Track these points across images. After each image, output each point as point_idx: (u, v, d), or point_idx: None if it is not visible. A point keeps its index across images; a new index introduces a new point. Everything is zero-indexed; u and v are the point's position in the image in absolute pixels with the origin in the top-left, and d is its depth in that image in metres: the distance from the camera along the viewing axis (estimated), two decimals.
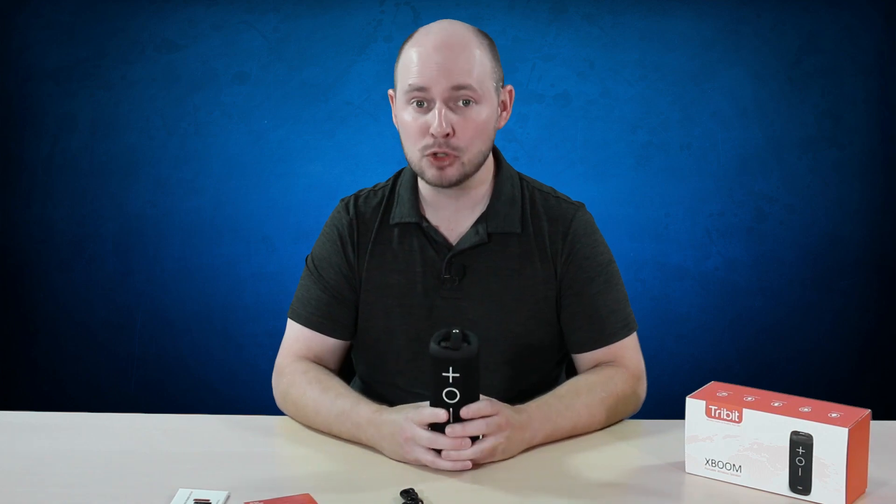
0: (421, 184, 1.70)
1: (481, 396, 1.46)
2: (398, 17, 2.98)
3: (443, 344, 1.43)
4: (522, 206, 1.71)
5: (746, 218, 3.02)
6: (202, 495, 1.37)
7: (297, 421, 1.65)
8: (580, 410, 1.58)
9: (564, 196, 1.75)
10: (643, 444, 1.57)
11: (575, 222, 1.71)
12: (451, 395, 1.43)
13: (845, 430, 1.32)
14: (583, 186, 2.96)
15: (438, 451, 1.45)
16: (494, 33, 1.88)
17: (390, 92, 1.68)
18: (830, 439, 1.33)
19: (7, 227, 3.07)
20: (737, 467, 1.41)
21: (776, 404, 1.39)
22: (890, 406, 3.01)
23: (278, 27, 3.00)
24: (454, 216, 1.70)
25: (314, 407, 1.60)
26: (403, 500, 1.35)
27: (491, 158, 1.70)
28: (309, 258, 1.77)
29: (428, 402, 1.46)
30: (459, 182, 1.62)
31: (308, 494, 1.37)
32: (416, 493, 1.36)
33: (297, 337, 1.74)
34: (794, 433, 1.35)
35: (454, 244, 1.69)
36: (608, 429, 1.62)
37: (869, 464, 1.38)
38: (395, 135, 1.67)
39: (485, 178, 1.69)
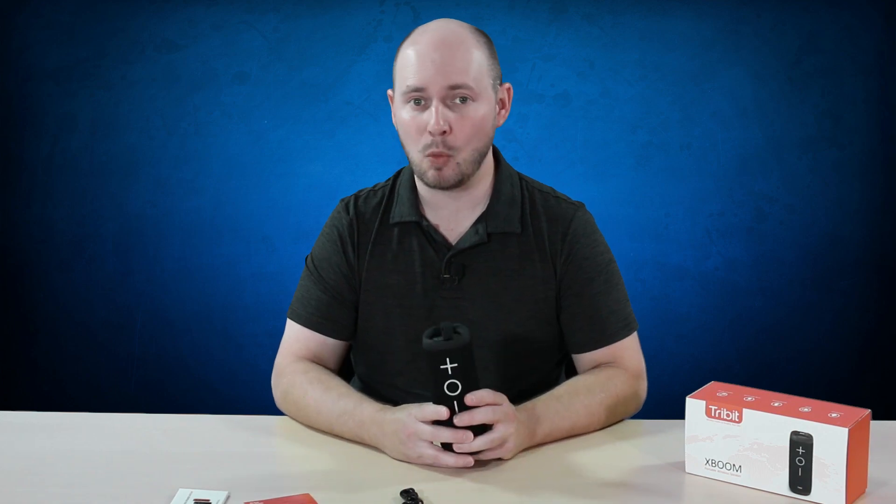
0: (420, 183, 1.70)
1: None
2: (398, 17, 2.98)
3: (435, 338, 1.43)
4: (522, 206, 1.70)
5: (746, 218, 3.02)
6: (202, 495, 1.37)
7: (297, 421, 1.65)
8: (579, 411, 1.58)
9: (564, 196, 1.75)
10: (643, 444, 1.57)
11: (575, 222, 1.70)
12: (452, 387, 1.43)
13: (845, 430, 1.32)
14: (583, 186, 2.96)
15: (441, 448, 1.45)
16: (494, 33, 1.88)
17: (389, 92, 1.68)
18: (830, 439, 1.33)
19: (7, 227, 3.07)
20: (737, 467, 1.41)
21: (776, 404, 1.39)
22: (890, 406, 3.01)
23: (278, 27, 3.00)
24: (454, 216, 1.69)
25: (316, 407, 1.60)
26: (403, 500, 1.35)
27: (491, 158, 1.70)
28: (309, 258, 1.77)
29: (431, 402, 1.46)
30: (458, 184, 1.62)
31: (308, 494, 1.37)
32: (416, 493, 1.36)
33: (296, 337, 1.73)
34: (794, 433, 1.35)
35: (454, 244, 1.68)
36: (608, 429, 1.62)
37: (869, 464, 1.38)
38: (395, 135, 1.66)
39: (484, 178, 1.69)
